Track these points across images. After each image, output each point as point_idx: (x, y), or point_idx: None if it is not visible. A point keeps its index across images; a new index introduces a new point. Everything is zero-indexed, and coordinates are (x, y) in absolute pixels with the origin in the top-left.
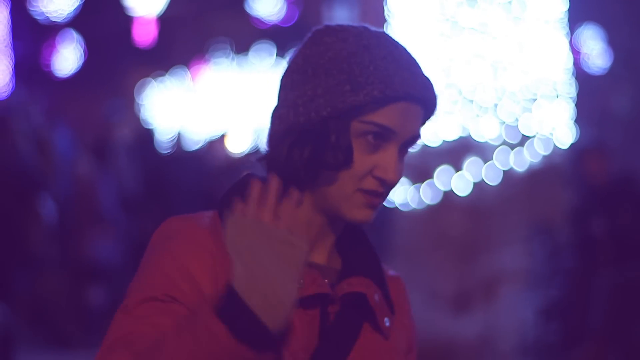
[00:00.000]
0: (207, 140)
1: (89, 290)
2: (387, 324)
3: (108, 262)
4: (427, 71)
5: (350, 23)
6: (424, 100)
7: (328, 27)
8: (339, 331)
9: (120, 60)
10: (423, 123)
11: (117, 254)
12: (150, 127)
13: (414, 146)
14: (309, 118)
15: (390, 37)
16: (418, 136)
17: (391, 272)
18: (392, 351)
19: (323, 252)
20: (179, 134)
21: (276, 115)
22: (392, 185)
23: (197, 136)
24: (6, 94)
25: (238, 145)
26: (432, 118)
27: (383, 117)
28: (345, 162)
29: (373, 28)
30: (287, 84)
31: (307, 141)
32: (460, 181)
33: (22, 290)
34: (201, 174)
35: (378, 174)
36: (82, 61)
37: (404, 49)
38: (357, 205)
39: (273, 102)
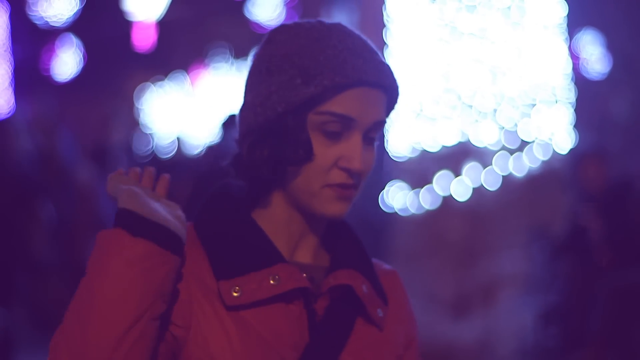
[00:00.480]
0: (206, 145)
1: None
2: (380, 314)
3: None
4: (383, 56)
5: (307, 19)
6: (380, 85)
7: (282, 25)
8: (330, 326)
9: (120, 65)
10: (388, 109)
11: None
12: (149, 133)
13: (379, 131)
14: (266, 117)
15: (345, 27)
16: (382, 122)
17: (386, 267)
18: (387, 343)
19: (308, 251)
20: (178, 139)
21: (240, 117)
22: (359, 174)
23: (196, 141)
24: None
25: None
26: (397, 103)
27: (338, 105)
28: (306, 156)
29: (328, 21)
30: (247, 86)
31: (265, 140)
32: (459, 186)
33: (24, 295)
34: (202, 179)
35: (343, 165)
36: (81, 66)
37: (358, 37)
38: (328, 200)
39: (238, 105)
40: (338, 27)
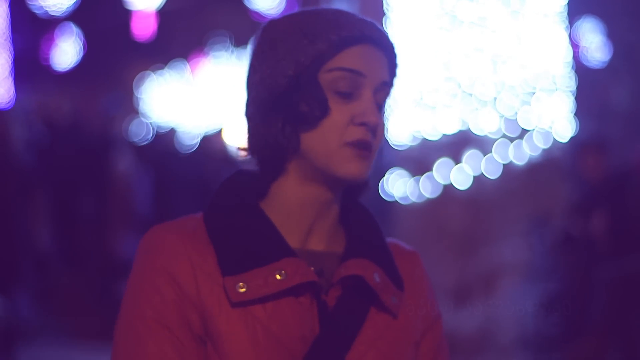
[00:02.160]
0: (204, 134)
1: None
2: (395, 301)
3: None
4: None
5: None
6: (382, 44)
7: (279, 16)
8: (341, 317)
9: (120, 54)
10: (390, 71)
11: None
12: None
13: (387, 96)
14: (277, 83)
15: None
16: (388, 83)
17: (406, 248)
18: (402, 330)
19: (321, 237)
20: (177, 128)
21: (248, 104)
22: (375, 129)
23: (195, 130)
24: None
25: (236, 138)
26: (398, 70)
27: (346, 60)
28: (322, 113)
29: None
30: (250, 72)
31: (280, 105)
32: (459, 174)
33: (26, 284)
34: (199, 168)
35: (358, 120)
36: (81, 55)
37: (352, 12)
38: (347, 159)
39: (242, 99)
40: (328, 6)
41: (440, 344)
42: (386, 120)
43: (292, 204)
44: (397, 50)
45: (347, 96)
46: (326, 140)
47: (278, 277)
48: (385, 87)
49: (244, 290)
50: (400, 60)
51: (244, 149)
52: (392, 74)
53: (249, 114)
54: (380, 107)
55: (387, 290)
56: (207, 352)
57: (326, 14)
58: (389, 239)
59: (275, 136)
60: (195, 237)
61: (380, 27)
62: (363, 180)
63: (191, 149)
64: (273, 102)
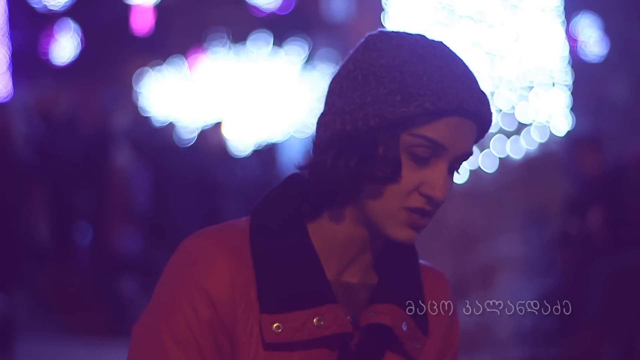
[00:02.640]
0: (202, 129)
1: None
2: (417, 346)
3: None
4: (482, 86)
5: (407, 30)
6: (478, 116)
7: (382, 32)
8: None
9: (118, 49)
10: (476, 140)
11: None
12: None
13: (465, 160)
14: (356, 127)
15: (448, 48)
16: (470, 153)
17: (436, 270)
18: None
19: (360, 269)
20: (176, 123)
21: (322, 122)
22: (439, 203)
23: (193, 125)
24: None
25: (234, 134)
26: (485, 133)
27: (434, 131)
28: (393, 175)
29: (431, 38)
30: (336, 90)
31: (353, 151)
32: None
33: (25, 279)
34: (197, 163)
35: (425, 191)
36: (79, 50)
37: (461, 62)
38: (401, 224)
39: (320, 108)
40: (442, 46)
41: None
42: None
43: (338, 239)
44: (490, 119)
45: (422, 161)
46: (387, 202)
47: (315, 323)
48: (466, 156)
49: (279, 331)
50: (489, 126)
51: (303, 165)
52: (478, 140)
53: (320, 135)
54: (453, 170)
55: (412, 337)
56: None
57: (434, 68)
58: (420, 262)
59: (340, 178)
60: (240, 256)
61: (482, 95)
62: (410, 243)
63: (189, 144)
64: (347, 145)
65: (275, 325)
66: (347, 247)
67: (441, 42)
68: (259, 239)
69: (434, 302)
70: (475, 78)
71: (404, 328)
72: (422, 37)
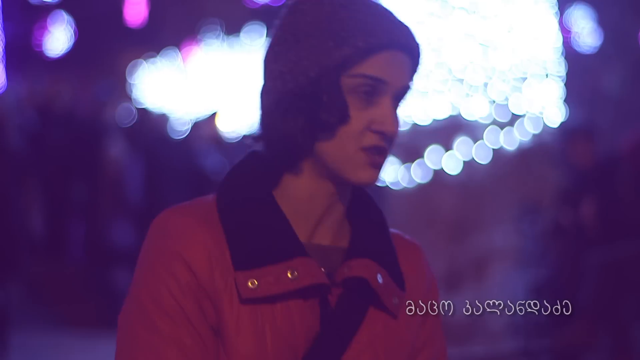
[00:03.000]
0: (195, 120)
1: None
2: (396, 302)
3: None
4: (405, 21)
5: None
6: (408, 48)
7: None
8: (341, 316)
9: (111, 41)
10: (411, 74)
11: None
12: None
13: (405, 94)
14: (297, 82)
15: None
16: (408, 87)
17: (408, 239)
18: (401, 330)
19: (328, 231)
20: (169, 115)
21: (264, 90)
22: (392, 137)
23: (187, 116)
24: None
25: (228, 125)
26: (418, 66)
27: (371, 67)
28: (342, 118)
29: None
30: (270, 58)
31: (300, 105)
32: (450, 160)
33: (21, 272)
34: (191, 154)
35: (377, 128)
36: (73, 42)
37: (379, 3)
38: (361, 165)
39: (259, 81)
40: None
41: (430, 334)
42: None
43: (302, 197)
44: (420, 50)
45: (367, 101)
46: (342, 146)
47: (289, 276)
48: (405, 89)
49: (254, 287)
50: (420, 58)
51: (256, 138)
52: (413, 75)
53: (265, 103)
54: (397, 105)
55: (389, 291)
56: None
57: (358, 12)
58: (391, 230)
59: (294, 136)
60: (210, 224)
61: (408, 28)
62: (373, 185)
63: (182, 135)
64: (292, 101)
65: (250, 281)
66: (311, 206)
67: None
68: (227, 208)
69: (409, 266)
70: (396, 15)
71: (380, 280)
72: None
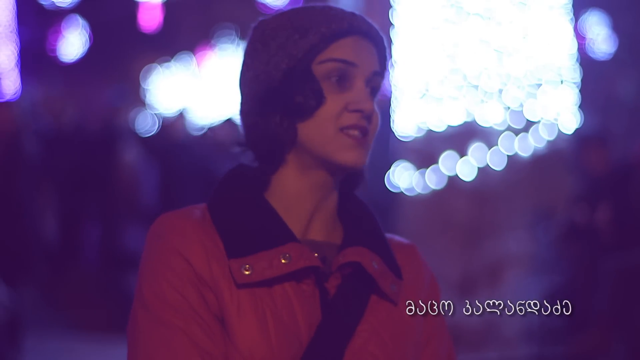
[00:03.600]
0: (210, 126)
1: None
2: (394, 289)
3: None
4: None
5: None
6: (370, 35)
7: (263, 17)
8: (342, 304)
9: (126, 46)
10: (380, 62)
11: None
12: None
13: (378, 86)
14: (271, 78)
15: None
16: (379, 74)
17: (403, 241)
18: (403, 317)
19: (321, 228)
20: (184, 120)
21: (242, 101)
22: (369, 115)
23: (202, 121)
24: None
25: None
26: (387, 60)
27: (339, 51)
28: (317, 101)
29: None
30: (244, 70)
31: (276, 98)
32: (465, 166)
33: (33, 276)
34: (205, 159)
35: (353, 107)
36: (87, 46)
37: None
38: (344, 147)
39: (237, 99)
40: (319, 2)
41: (434, 330)
42: (378, 110)
43: (292, 194)
44: (385, 42)
45: (340, 86)
46: (323, 128)
47: (283, 260)
48: (376, 76)
49: (248, 272)
50: (389, 52)
51: (241, 145)
52: (382, 65)
53: (244, 111)
54: (373, 94)
55: (386, 277)
56: None
57: (314, 9)
58: (385, 234)
59: (273, 129)
60: (202, 224)
61: (368, 20)
62: (360, 167)
63: (197, 140)
64: (269, 97)
65: (243, 267)
66: (301, 202)
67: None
68: (219, 209)
69: (407, 266)
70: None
71: (375, 266)
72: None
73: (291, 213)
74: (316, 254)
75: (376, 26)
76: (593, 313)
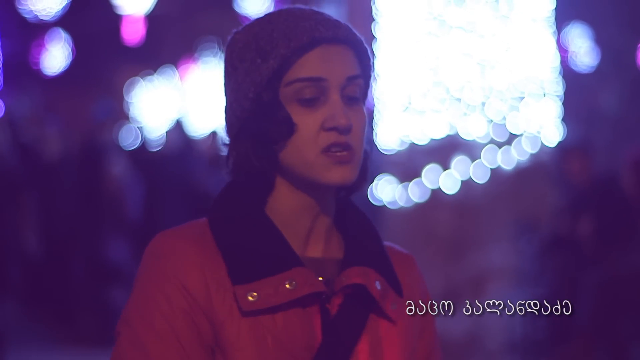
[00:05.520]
0: (193, 139)
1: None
2: (394, 307)
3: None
4: (333, 16)
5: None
6: (339, 39)
7: (243, 25)
8: (342, 324)
9: (109, 59)
10: (361, 64)
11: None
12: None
13: (360, 89)
14: (242, 107)
15: (298, 5)
16: (355, 77)
17: (401, 251)
18: (401, 335)
19: (319, 243)
20: (166, 133)
21: (225, 124)
22: (349, 131)
23: (185, 135)
24: None
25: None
26: (369, 58)
27: (303, 69)
28: (288, 130)
29: (285, 6)
30: (224, 92)
31: (249, 129)
32: (448, 179)
33: (16, 288)
34: (190, 173)
35: (328, 125)
36: (70, 60)
37: (310, 8)
38: (326, 167)
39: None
40: (291, 6)
41: (433, 346)
42: (365, 110)
43: (287, 213)
44: (357, 38)
45: (313, 103)
46: (303, 153)
47: (288, 286)
48: (352, 80)
49: (254, 299)
50: (365, 46)
51: (228, 168)
52: (363, 63)
53: (227, 133)
54: (353, 99)
55: (388, 297)
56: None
57: (278, 22)
58: (384, 243)
59: (248, 159)
60: (204, 244)
61: (335, 22)
62: (350, 183)
63: (181, 154)
64: (241, 125)
65: (249, 294)
66: (298, 220)
67: (292, 5)
68: (220, 226)
69: (404, 276)
70: (325, 14)
71: (378, 287)
72: (277, 9)
73: (289, 230)
74: (320, 278)
75: (345, 25)
76: (576, 324)
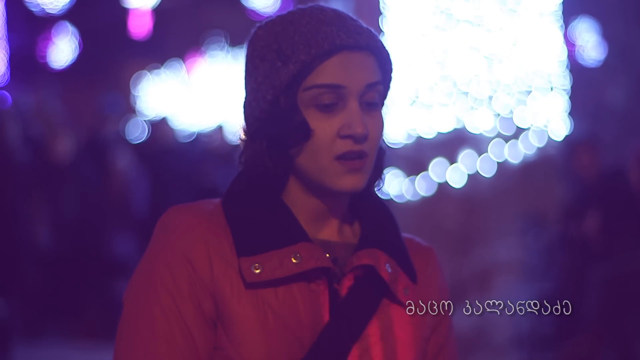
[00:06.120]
0: (200, 132)
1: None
2: (407, 293)
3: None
4: (358, 21)
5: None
6: (360, 46)
7: (263, 20)
8: (351, 306)
9: (116, 53)
10: (382, 70)
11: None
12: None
13: (379, 95)
14: (260, 108)
15: (320, 5)
16: (375, 84)
17: (422, 243)
18: (413, 323)
19: (333, 228)
20: (174, 127)
21: (243, 118)
22: (365, 139)
23: (191, 128)
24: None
25: (233, 138)
26: (391, 63)
27: (322, 76)
28: (304, 135)
29: (307, 5)
30: (244, 86)
31: (264, 130)
32: (454, 173)
33: (24, 285)
34: (195, 167)
35: (344, 132)
36: (77, 53)
37: (333, 10)
38: (338, 174)
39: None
40: (313, 6)
41: (446, 340)
42: (382, 114)
43: (299, 201)
44: (379, 44)
45: (331, 109)
46: (316, 159)
47: (293, 260)
48: (372, 87)
49: (259, 271)
50: (386, 51)
51: (242, 163)
52: (384, 69)
53: (245, 131)
54: (372, 105)
55: (399, 281)
56: (217, 334)
57: (300, 24)
58: (404, 234)
59: (262, 159)
60: (212, 219)
61: (357, 27)
62: (359, 191)
63: (187, 147)
64: (258, 126)
65: (253, 265)
66: (309, 208)
67: (315, 4)
68: (232, 202)
69: (422, 268)
70: (350, 17)
71: (389, 269)
72: (298, 7)
73: (304, 214)
74: (328, 255)
75: (367, 30)
76: (583, 320)
